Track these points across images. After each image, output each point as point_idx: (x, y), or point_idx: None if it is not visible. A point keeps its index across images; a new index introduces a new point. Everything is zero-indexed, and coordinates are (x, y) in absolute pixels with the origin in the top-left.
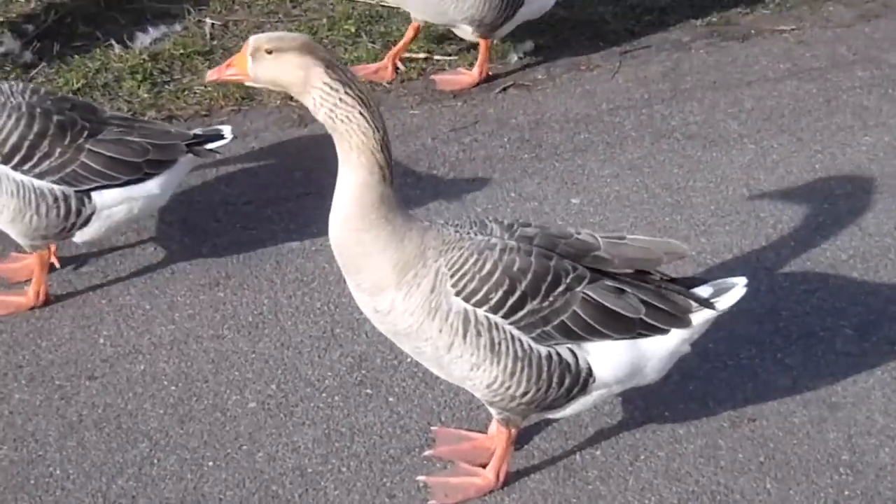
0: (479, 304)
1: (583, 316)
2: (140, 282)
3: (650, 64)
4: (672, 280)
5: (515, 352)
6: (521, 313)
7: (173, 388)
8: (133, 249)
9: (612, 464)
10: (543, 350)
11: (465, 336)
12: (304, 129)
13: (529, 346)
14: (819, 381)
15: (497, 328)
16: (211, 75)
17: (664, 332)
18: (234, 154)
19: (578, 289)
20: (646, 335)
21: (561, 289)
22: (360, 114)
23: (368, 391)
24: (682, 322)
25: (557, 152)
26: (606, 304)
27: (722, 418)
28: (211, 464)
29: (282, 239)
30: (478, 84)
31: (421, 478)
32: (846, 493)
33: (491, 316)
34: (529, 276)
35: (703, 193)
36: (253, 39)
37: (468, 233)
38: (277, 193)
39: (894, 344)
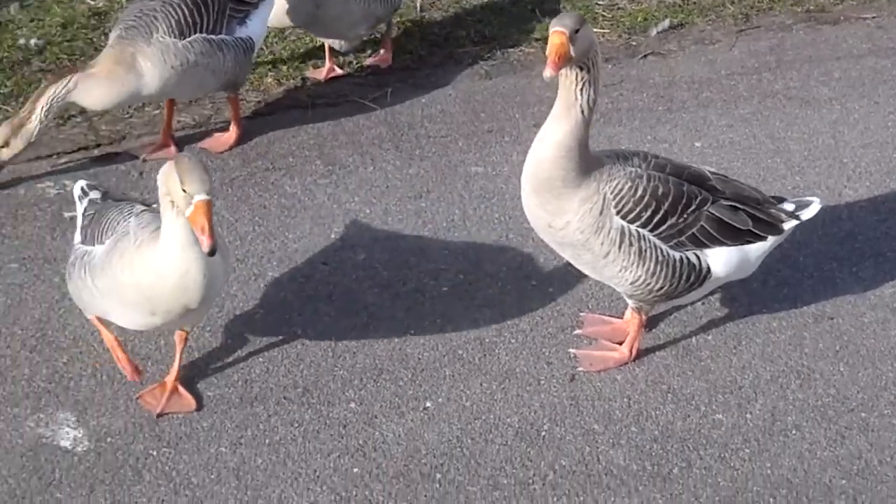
0: (632, 221)
1: (708, 229)
2: (362, 191)
3: (760, 40)
4: (766, 199)
5: (656, 257)
6: (662, 228)
7: (385, 272)
8: (357, 170)
9: (719, 346)
10: (677, 255)
11: (620, 246)
12: (489, 81)
13: (667, 252)
14: (885, 290)
15: (644, 239)
16: (549, 73)
17: (764, 238)
18: (437, 98)
19: (704, 208)
20: (750, 242)
21: (692, 208)
22: (597, 81)
23: (534, 283)
24: (777, 230)
25: (685, 107)
26: (725, 219)
27: (807, 315)
28: (412, 332)
29: (470, 163)
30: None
31: (572, 350)
32: None
33: (641, 230)
34: (670, 198)
35: (799, 142)
36: (567, 26)
37: (622, 164)
38: (468, 129)
39: None
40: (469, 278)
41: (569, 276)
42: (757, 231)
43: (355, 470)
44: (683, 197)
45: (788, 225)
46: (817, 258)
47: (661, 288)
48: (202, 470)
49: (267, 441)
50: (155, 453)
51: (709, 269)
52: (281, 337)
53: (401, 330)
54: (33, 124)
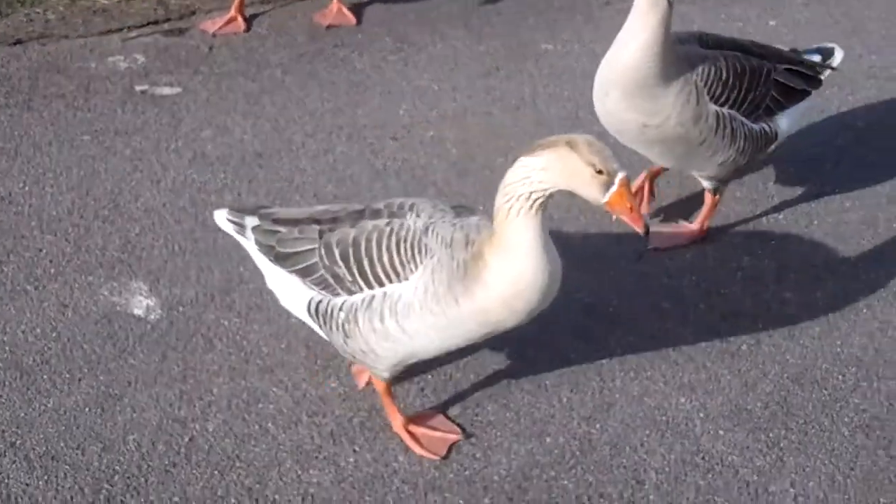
0: (723, 104)
1: (776, 96)
2: (431, 68)
3: None
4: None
5: (744, 133)
6: (745, 104)
7: (454, 150)
8: (426, 47)
9: (790, 225)
10: (756, 127)
11: (716, 131)
12: None
13: (751, 127)
14: None
15: (735, 119)
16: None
17: (810, 93)
18: None
19: (772, 77)
20: (802, 99)
21: (763, 78)
22: None
23: None
24: (818, 82)
25: None
26: (787, 83)
27: (880, 195)
28: (481, 208)
29: (540, 41)
30: None
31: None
32: None
33: (731, 111)
34: (748, 74)
35: (876, 22)
36: None
37: (693, 49)
38: (539, 7)
39: None
40: None
41: (635, 156)
42: (806, 87)
43: None
44: (756, 70)
45: (824, 75)
46: (891, 136)
47: (746, 162)
48: (272, 339)
49: None
50: (226, 323)
51: (776, 133)
52: None
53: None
54: None
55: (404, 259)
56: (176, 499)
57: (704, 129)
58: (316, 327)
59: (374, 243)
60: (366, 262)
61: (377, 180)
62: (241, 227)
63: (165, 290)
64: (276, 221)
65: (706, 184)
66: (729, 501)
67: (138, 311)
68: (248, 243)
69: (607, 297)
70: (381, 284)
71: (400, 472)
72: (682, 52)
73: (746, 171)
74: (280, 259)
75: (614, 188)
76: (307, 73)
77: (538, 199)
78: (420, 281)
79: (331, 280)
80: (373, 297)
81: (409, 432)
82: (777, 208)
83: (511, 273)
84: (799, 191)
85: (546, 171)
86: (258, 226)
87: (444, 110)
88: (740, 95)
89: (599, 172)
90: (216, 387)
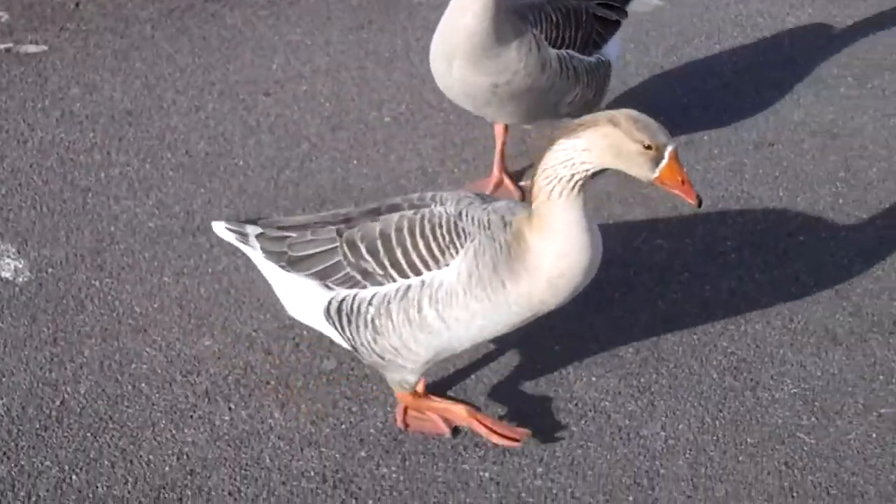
0: (560, 46)
1: (598, 29)
2: (304, 23)
3: None
4: None
5: (585, 69)
6: (578, 41)
7: (328, 104)
8: (299, 1)
9: None
10: (593, 60)
11: (561, 73)
12: None
13: (588, 61)
14: (825, 117)
15: (573, 57)
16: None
17: (621, 23)
18: None
19: (591, 12)
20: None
21: (585, 17)
22: None
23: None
24: (624, 12)
25: None
26: (603, 15)
27: (747, 142)
28: (355, 162)
29: None
30: None
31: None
32: (840, 201)
33: (569, 51)
34: (571, 14)
35: None
36: None
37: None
38: None
39: (885, 90)
40: (412, 108)
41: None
42: (619, 18)
43: None
44: (577, 10)
45: (629, 6)
46: (757, 83)
47: (594, 96)
48: (145, 299)
49: (210, 270)
50: (97, 284)
51: (609, 62)
52: (223, 168)
53: (343, 161)
54: None
55: (442, 244)
56: (48, 462)
57: (551, 74)
58: (334, 332)
59: (405, 232)
60: (398, 252)
61: (250, 136)
62: (243, 237)
63: (34, 251)
64: (282, 228)
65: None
66: (602, 447)
67: (6, 274)
68: (254, 252)
69: None
70: (418, 273)
71: (276, 429)
72: (510, 6)
73: (595, 108)
74: (293, 263)
75: (665, 162)
76: (177, 29)
77: (580, 179)
78: (463, 265)
79: (358, 276)
80: (408, 286)
81: (479, 420)
82: None
83: (557, 254)
84: None
85: (589, 151)
86: (263, 234)
87: (316, 65)
88: (572, 34)
89: (648, 148)
90: (88, 348)
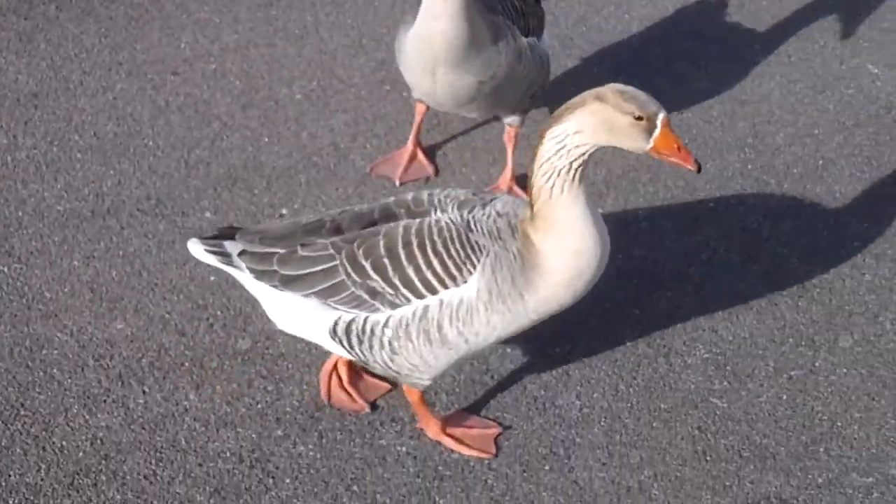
0: (526, 35)
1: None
2: (212, 0)
3: None
4: None
5: (544, 56)
6: (534, 30)
7: (237, 82)
8: None
9: None
10: (546, 47)
11: (533, 59)
12: None
13: (544, 48)
14: (732, 83)
15: (537, 45)
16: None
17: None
18: None
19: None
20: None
21: (532, 3)
22: None
23: (388, 87)
24: None
25: None
26: (537, 5)
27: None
28: (266, 139)
29: None
30: None
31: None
32: (749, 166)
33: (532, 39)
34: (527, 2)
35: None
36: None
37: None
38: None
39: (791, 56)
40: (322, 85)
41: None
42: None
43: (212, 278)
44: None
45: None
46: (668, 56)
47: (542, 82)
48: (55, 284)
49: (121, 253)
50: (6, 269)
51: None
52: (132, 149)
53: (254, 139)
54: None
55: (458, 261)
56: None
57: (527, 63)
58: (341, 349)
59: (415, 248)
60: (410, 271)
61: (160, 117)
62: (226, 258)
63: None
64: (265, 241)
65: (511, 119)
66: (518, 417)
67: None
68: (241, 274)
69: None
70: (434, 292)
71: (191, 410)
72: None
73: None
74: (288, 283)
75: (658, 131)
76: (83, 9)
77: (578, 166)
78: (482, 282)
79: (365, 296)
80: (426, 307)
81: (449, 435)
82: None
83: (571, 253)
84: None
85: (581, 132)
86: (244, 251)
87: (225, 43)
88: (530, 22)
89: (639, 119)
90: None
